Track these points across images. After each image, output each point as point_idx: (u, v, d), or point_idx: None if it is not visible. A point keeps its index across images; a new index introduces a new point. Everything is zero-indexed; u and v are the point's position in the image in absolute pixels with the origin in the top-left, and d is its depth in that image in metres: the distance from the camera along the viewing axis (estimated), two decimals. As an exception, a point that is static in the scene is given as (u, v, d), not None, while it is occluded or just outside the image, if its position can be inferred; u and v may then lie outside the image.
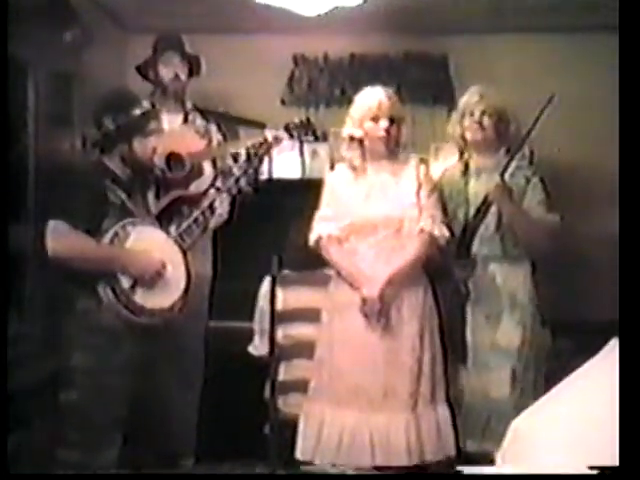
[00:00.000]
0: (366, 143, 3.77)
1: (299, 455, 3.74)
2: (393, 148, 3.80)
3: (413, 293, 3.74)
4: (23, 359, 3.66)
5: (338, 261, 3.76)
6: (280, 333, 4.11)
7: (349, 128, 3.82)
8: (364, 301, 3.65)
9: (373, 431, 3.61)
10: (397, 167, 3.81)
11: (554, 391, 2.63)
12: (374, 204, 3.74)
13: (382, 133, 3.73)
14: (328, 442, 3.64)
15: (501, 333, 3.89)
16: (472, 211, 3.93)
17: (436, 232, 3.72)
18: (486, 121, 3.94)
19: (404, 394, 3.64)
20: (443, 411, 3.74)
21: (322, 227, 3.78)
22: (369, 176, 3.79)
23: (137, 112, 3.45)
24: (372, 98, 3.78)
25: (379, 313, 3.64)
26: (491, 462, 3.44)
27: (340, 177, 3.85)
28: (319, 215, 3.82)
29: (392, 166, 3.81)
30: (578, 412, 2.38)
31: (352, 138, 3.80)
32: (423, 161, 4.01)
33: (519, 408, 3.11)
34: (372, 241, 3.72)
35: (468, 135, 3.99)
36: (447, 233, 3.76)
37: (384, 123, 3.73)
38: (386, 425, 3.61)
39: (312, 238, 3.79)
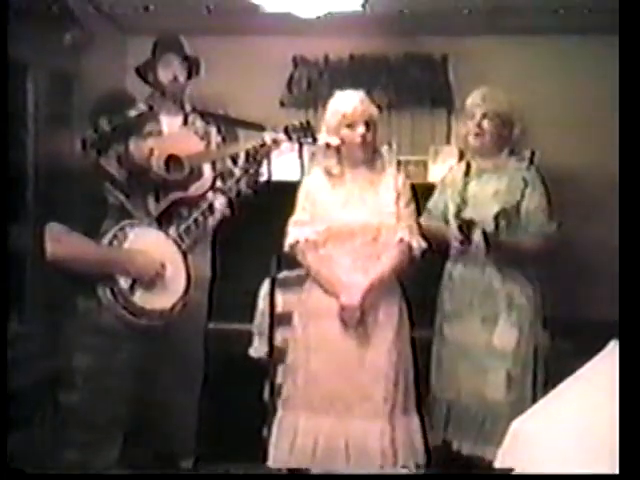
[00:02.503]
0: (343, 150, 3.74)
1: (271, 463, 3.71)
2: (370, 153, 3.77)
3: (389, 301, 3.73)
4: (23, 360, 3.66)
5: (315, 266, 3.74)
6: (279, 335, 4.11)
7: (324, 135, 3.79)
8: (343, 308, 3.63)
9: (349, 437, 3.60)
10: (375, 175, 3.78)
11: (554, 393, 2.64)
12: (352, 211, 3.72)
13: (359, 139, 3.70)
14: (303, 448, 3.62)
15: (497, 335, 3.89)
16: (470, 212, 3.94)
17: (414, 243, 3.72)
18: (486, 125, 3.94)
19: (380, 400, 3.62)
20: (415, 418, 3.75)
21: (298, 231, 3.74)
22: (347, 183, 3.77)
23: (133, 113, 3.44)
24: (346, 104, 3.75)
25: (357, 321, 3.63)
26: (484, 464, 3.46)
27: (317, 182, 3.82)
28: (294, 219, 3.78)
29: (370, 174, 3.78)
30: (578, 413, 2.38)
31: (328, 146, 3.77)
32: (399, 170, 4.01)
33: (514, 411, 3.12)
34: (348, 248, 3.69)
35: (470, 138, 4.00)
36: (424, 244, 3.75)
37: (361, 129, 3.70)
38: (362, 431, 3.60)
39: (288, 242, 3.75)
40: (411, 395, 3.75)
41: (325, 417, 3.63)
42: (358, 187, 3.76)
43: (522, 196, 3.93)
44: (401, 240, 3.70)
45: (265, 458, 3.81)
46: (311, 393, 3.66)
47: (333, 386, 3.63)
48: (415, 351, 3.82)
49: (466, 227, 3.89)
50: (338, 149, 3.75)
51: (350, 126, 3.71)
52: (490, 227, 3.89)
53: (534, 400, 3.47)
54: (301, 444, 3.63)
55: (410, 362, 3.77)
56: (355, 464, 3.57)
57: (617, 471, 2.12)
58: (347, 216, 3.71)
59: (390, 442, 3.60)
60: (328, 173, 3.79)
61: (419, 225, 3.81)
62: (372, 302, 3.65)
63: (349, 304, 3.61)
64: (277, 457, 3.70)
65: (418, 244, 3.73)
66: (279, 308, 4.12)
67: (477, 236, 3.86)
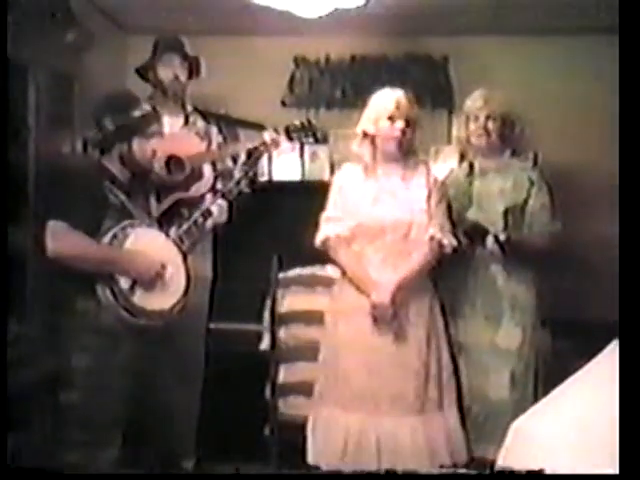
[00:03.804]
0: (378, 142, 3.74)
1: (310, 460, 3.71)
2: (405, 151, 3.76)
3: (420, 297, 3.73)
4: (23, 359, 3.66)
5: (346, 263, 3.73)
6: (285, 334, 4.11)
7: (363, 124, 3.78)
8: (374, 307, 3.63)
9: (380, 435, 3.59)
10: (407, 172, 3.77)
11: (555, 392, 2.64)
12: (383, 207, 3.71)
13: (397, 133, 3.69)
14: (334, 446, 3.63)
15: (501, 335, 3.89)
16: (475, 211, 3.94)
17: (445, 241, 3.72)
18: (490, 126, 3.94)
19: (411, 397, 3.63)
20: (452, 416, 3.74)
21: (330, 227, 3.73)
22: (379, 178, 3.76)
23: (137, 113, 3.44)
24: (390, 98, 3.74)
25: (390, 318, 3.63)
26: (487, 463, 3.46)
27: (348, 177, 3.81)
28: (326, 215, 3.77)
29: (402, 170, 3.77)
30: (579, 413, 2.38)
31: (365, 135, 3.76)
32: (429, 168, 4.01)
33: (517, 410, 3.12)
34: (379, 244, 3.69)
35: (473, 139, 3.99)
36: (455, 242, 3.76)
37: (400, 124, 3.69)
38: (393, 429, 3.60)
39: (319, 238, 3.74)
40: (447, 391, 3.74)
41: (356, 414, 3.63)
42: (389, 182, 3.75)
43: (528, 195, 3.94)
44: (432, 237, 3.69)
45: (266, 458, 3.82)
46: (342, 390, 3.66)
47: (364, 383, 3.62)
48: (452, 346, 3.82)
49: (472, 232, 3.88)
50: (373, 140, 3.75)
51: (390, 119, 3.70)
52: (498, 226, 3.89)
53: (536, 400, 3.47)
54: (333, 441, 3.64)
55: (446, 359, 3.77)
56: (386, 462, 3.56)
57: (617, 471, 2.12)
58: (378, 212, 3.70)
59: (424, 440, 3.61)
60: (361, 163, 3.79)
61: (451, 222, 3.81)
62: (403, 299, 3.65)
63: (380, 302, 3.61)
64: (315, 454, 3.70)
65: (449, 241, 3.73)
66: (285, 307, 4.13)
67: (490, 243, 3.86)
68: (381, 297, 3.62)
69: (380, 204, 3.72)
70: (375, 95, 3.83)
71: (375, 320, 3.64)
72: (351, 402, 3.64)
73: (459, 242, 3.80)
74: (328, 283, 3.96)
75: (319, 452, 3.69)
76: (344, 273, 3.77)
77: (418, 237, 3.70)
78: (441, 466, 3.63)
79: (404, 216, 3.71)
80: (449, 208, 3.93)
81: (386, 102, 3.74)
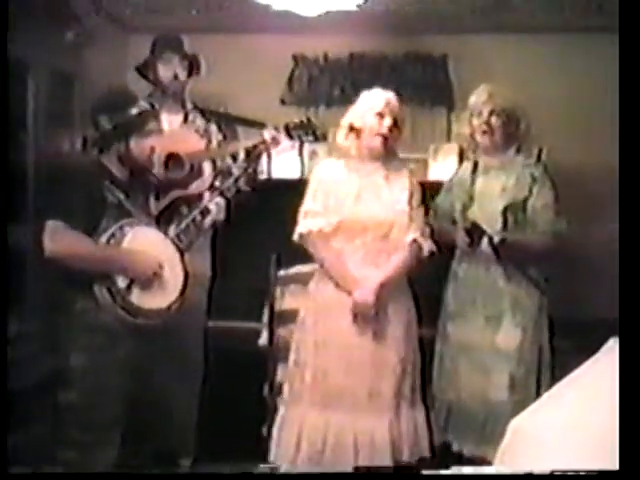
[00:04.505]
0: (364, 137, 3.74)
1: (273, 459, 3.72)
2: (388, 150, 3.77)
3: (398, 298, 3.74)
4: (22, 359, 3.66)
5: (328, 259, 3.73)
6: (284, 332, 4.11)
7: (349, 117, 3.79)
8: (357, 305, 3.63)
9: (357, 432, 3.60)
10: (390, 172, 3.78)
11: (554, 390, 2.63)
12: (366, 205, 3.72)
13: (385, 130, 3.70)
14: (311, 445, 3.62)
15: (501, 336, 3.87)
16: (477, 209, 3.93)
17: (426, 247, 3.74)
18: (494, 121, 3.91)
19: (389, 395, 3.64)
20: (420, 413, 3.76)
21: (311, 222, 3.72)
22: (361, 175, 3.76)
23: (134, 111, 3.44)
24: (380, 96, 3.76)
25: (372, 316, 3.64)
26: (486, 464, 3.45)
27: (329, 172, 3.82)
28: (305, 209, 3.76)
29: (384, 170, 3.78)
30: (578, 410, 2.38)
31: (352, 128, 3.77)
32: (413, 172, 4.02)
33: (516, 411, 3.10)
34: (359, 242, 3.69)
35: (477, 136, 3.97)
36: (434, 247, 3.77)
37: (388, 121, 3.71)
38: (371, 426, 3.61)
39: (299, 231, 3.74)
40: (417, 390, 3.77)
41: (334, 413, 3.63)
42: (372, 181, 3.76)
43: (530, 192, 3.90)
44: (414, 241, 3.71)
45: (264, 457, 3.81)
46: (321, 388, 3.66)
47: (343, 381, 3.63)
48: (423, 347, 3.84)
49: (473, 231, 3.87)
50: (359, 134, 3.75)
51: (379, 115, 3.72)
52: (497, 224, 3.88)
53: (535, 401, 3.47)
54: (309, 440, 3.63)
55: (418, 358, 3.79)
56: (364, 460, 3.57)
57: (617, 468, 2.12)
58: (361, 210, 3.71)
59: (398, 437, 3.63)
60: (343, 158, 3.79)
61: (429, 226, 3.81)
62: (383, 299, 3.66)
63: (363, 301, 3.62)
64: (281, 455, 3.71)
65: (429, 247, 3.75)
66: (285, 305, 4.12)
67: (485, 244, 3.85)
68: (365, 295, 3.62)
69: (363, 202, 3.73)
70: (365, 92, 3.84)
71: (355, 317, 3.64)
72: (330, 400, 3.64)
73: (439, 249, 3.80)
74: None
75: (292, 453, 3.66)
76: (324, 269, 3.76)
77: (397, 238, 3.72)
78: (422, 459, 3.64)
79: (386, 216, 3.72)
80: (452, 206, 3.95)
81: (376, 99, 3.76)
